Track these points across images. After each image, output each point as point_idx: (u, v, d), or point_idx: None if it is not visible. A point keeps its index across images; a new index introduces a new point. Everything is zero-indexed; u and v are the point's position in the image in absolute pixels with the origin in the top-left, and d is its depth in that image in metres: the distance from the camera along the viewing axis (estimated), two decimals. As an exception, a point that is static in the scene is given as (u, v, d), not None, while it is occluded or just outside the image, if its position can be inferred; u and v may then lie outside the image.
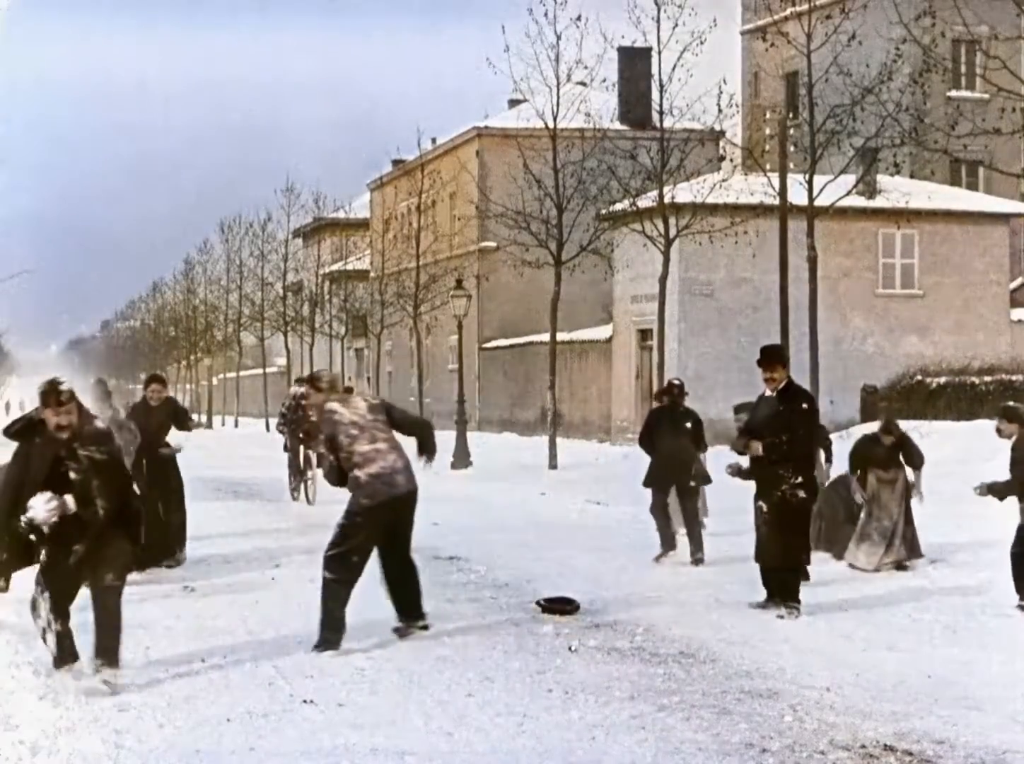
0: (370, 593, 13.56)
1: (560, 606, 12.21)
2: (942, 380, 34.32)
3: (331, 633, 10.37)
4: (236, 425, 73.17)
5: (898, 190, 34.55)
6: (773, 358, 12.33)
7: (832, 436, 17.37)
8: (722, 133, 31.61)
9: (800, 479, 11.96)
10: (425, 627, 11.00)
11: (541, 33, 31.17)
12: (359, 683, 9.34)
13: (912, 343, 37.82)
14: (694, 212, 29.84)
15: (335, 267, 65.93)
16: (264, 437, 49.26)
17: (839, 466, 16.23)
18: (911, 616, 11.98)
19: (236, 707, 8.63)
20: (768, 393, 12.34)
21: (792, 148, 27.94)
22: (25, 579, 11.96)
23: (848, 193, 27.02)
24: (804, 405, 12.17)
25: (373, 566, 14.75)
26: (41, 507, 8.63)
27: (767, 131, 32.45)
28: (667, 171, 29.54)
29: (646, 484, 15.95)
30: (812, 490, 12.23)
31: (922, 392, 33.58)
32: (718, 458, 18.07)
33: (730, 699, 8.92)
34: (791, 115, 36.72)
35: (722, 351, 36.80)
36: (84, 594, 9.11)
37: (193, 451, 17.68)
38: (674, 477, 15.94)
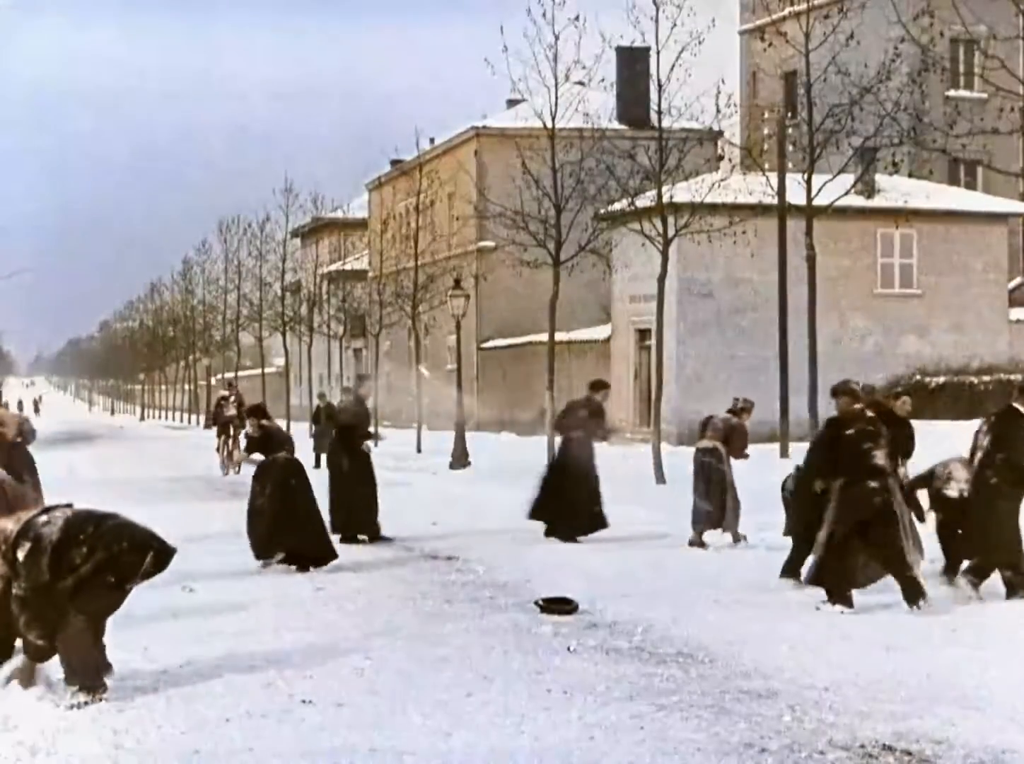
0: (368, 595, 13.57)
1: (559, 606, 12.21)
2: (941, 380, 34.39)
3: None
4: (234, 425, 73.16)
5: (897, 190, 34.54)
6: None
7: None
8: (720, 133, 31.55)
9: None
10: None
11: (539, 33, 31.07)
12: (358, 683, 9.34)
13: (911, 343, 37.82)
14: (693, 212, 29.78)
15: (333, 267, 65.92)
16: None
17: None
18: (910, 616, 11.98)
19: (235, 707, 8.62)
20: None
21: (791, 148, 27.95)
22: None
23: (847, 193, 27.01)
24: None
25: (377, 579, 14.78)
26: None
27: (766, 131, 32.43)
28: (665, 171, 29.47)
29: None
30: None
31: (921, 392, 33.58)
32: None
33: (729, 699, 8.92)
34: (790, 115, 36.68)
35: (721, 351, 36.79)
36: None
37: (192, 451, 17.70)
38: None
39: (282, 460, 15.95)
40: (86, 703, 8.72)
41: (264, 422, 16.37)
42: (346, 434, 18.33)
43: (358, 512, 17.82)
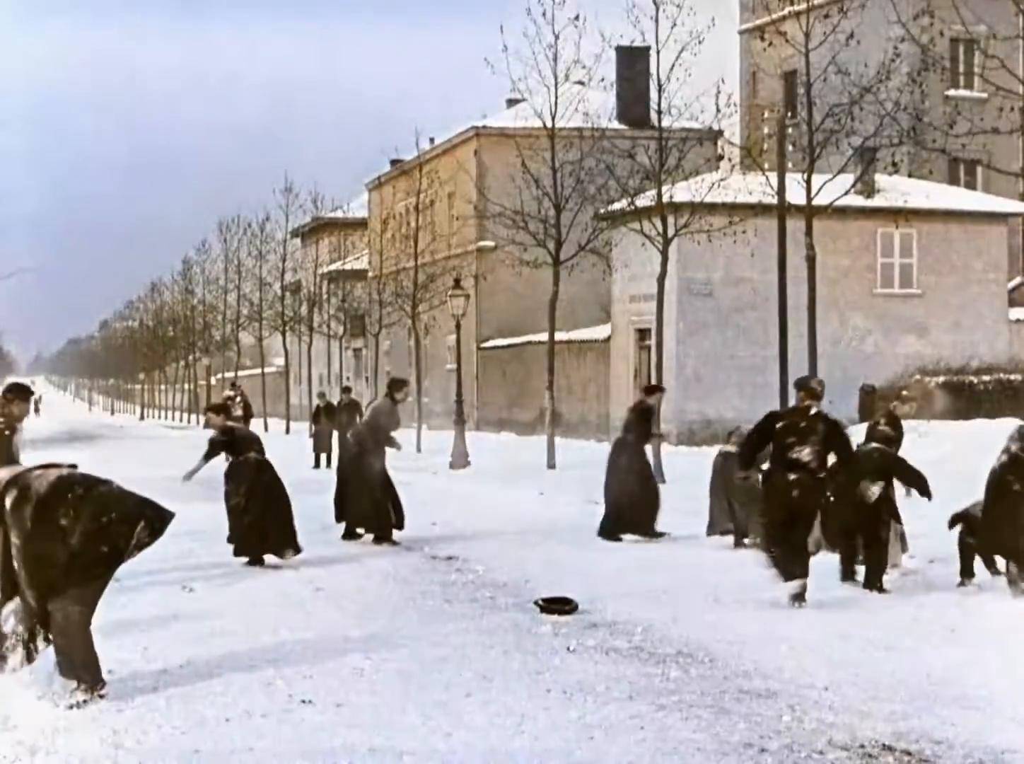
0: (368, 595, 13.58)
1: (559, 606, 12.21)
2: (940, 379, 34.35)
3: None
4: (234, 425, 73.13)
5: (896, 189, 34.53)
6: None
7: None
8: (720, 132, 31.59)
9: None
10: None
11: (539, 33, 31.14)
12: (358, 683, 9.33)
13: (910, 342, 37.82)
14: (692, 211, 29.81)
15: (333, 267, 65.92)
16: (263, 437, 49.14)
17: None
18: (910, 616, 11.98)
19: (235, 707, 8.62)
20: None
21: (790, 147, 27.90)
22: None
23: (846, 192, 26.97)
24: None
25: (390, 571, 14.79)
26: None
27: (765, 130, 32.39)
28: (665, 170, 29.50)
29: None
30: None
31: (920, 392, 33.56)
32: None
33: (728, 699, 8.92)
34: (789, 114, 36.66)
35: (721, 351, 36.79)
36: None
37: (192, 451, 17.74)
38: None
39: (252, 460, 16.09)
40: (85, 701, 8.68)
41: (229, 423, 16.53)
42: (382, 435, 18.36)
43: (398, 510, 17.94)
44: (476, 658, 10.17)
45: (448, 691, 9.09)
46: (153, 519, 9.11)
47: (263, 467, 16.11)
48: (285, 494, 16.02)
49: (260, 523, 15.66)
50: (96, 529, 8.82)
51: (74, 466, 9.26)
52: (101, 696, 8.77)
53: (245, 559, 15.61)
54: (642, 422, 18.69)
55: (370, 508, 17.88)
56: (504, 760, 7.57)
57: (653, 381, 30.18)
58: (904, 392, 16.93)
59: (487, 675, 9.54)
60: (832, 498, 13.78)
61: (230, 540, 15.85)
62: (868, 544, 13.66)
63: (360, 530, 18.04)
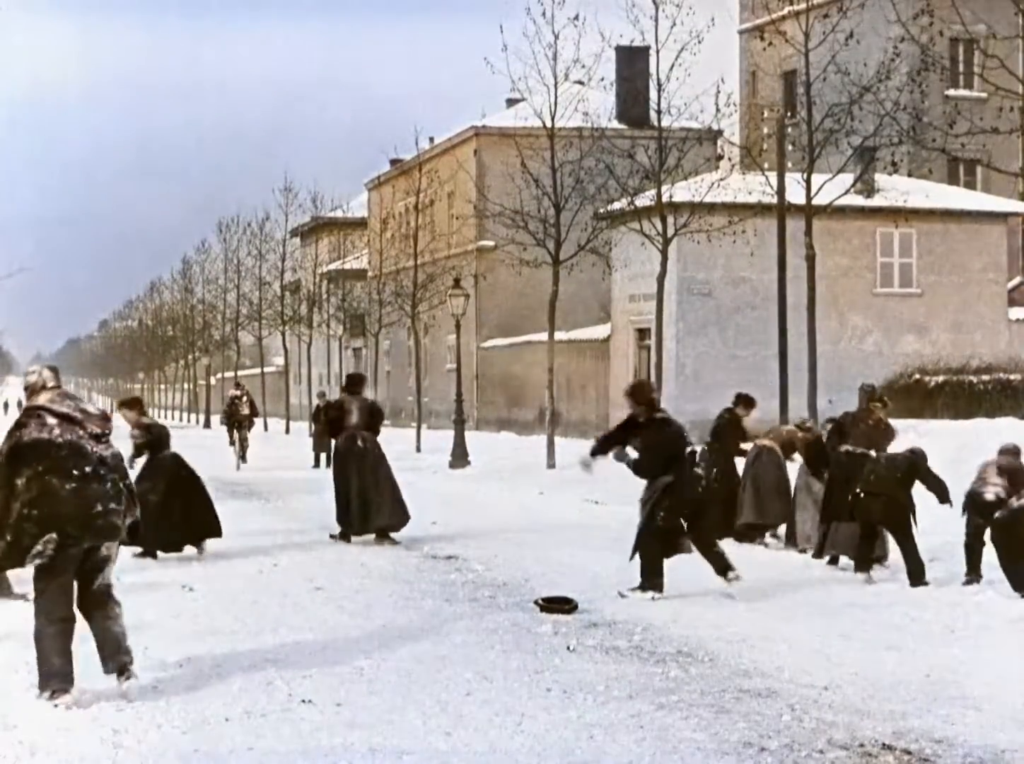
0: (368, 595, 13.58)
1: (558, 605, 12.21)
2: (940, 379, 34.36)
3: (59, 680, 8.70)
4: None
5: (896, 189, 34.53)
6: None
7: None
8: (720, 132, 31.59)
9: None
10: (127, 672, 8.91)
11: (539, 32, 31.13)
12: (357, 683, 9.33)
13: (910, 342, 37.81)
14: (692, 211, 29.81)
15: (333, 266, 65.92)
16: (262, 437, 49.23)
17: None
18: (910, 616, 11.98)
19: (235, 707, 8.62)
20: None
21: (790, 147, 27.94)
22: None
23: (846, 192, 26.99)
24: None
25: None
26: None
27: (765, 130, 32.40)
28: (665, 170, 29.51)
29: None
30: None
31: (920, 391, 33.59)
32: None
33: (728, 698, 8.92)
34: (789, 114, 36.67)
35: (720, 350, 36.78)
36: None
37: (191, 451, 17.78)
38: None
39: (169, 457, 16.37)
40: (53, 703, 8.52)
41: (146, 421, 16.62)
42: (378, 427, 18.51)
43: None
44: (476, 657, 10.17)
45: (448, 690, 9.09)
46: (72, 537, 8.52)
47: (180, 462, 16.44)
48: (203, 485, 16.44)
49: (183, 521, 15.93)
50: (17, 513, 8.43)
51: (105, 432, 8.74)
52: (57, 705, 8.47)
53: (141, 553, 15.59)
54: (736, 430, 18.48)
55: (393, 505, 17.77)
56: (504, 759, 7.57)
57: (653, 381, 30.19)
58: (885, 397, 17.04)
59: (487, 674, 9.55)
60: (862, 494, 13.92)
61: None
62: (900, 541, 14.04)
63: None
